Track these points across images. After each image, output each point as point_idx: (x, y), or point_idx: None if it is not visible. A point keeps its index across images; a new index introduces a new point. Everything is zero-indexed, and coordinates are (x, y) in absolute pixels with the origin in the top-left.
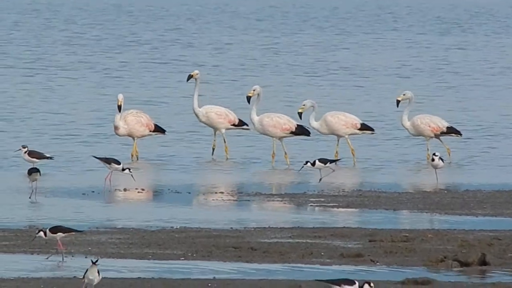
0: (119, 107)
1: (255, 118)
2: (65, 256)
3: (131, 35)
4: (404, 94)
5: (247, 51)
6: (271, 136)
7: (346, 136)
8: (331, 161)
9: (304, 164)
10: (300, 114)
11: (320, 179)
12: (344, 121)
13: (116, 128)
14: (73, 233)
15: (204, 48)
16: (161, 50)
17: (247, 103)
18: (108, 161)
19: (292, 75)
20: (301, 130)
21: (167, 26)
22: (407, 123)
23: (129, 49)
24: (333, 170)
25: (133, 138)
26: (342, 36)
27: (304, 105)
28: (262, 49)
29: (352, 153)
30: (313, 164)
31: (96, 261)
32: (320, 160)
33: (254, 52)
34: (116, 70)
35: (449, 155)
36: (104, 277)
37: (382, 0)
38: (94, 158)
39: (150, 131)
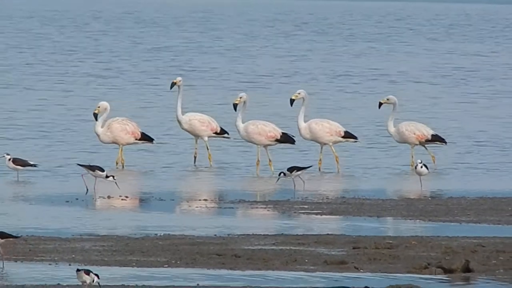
0: (95, 115)
1: (241, 125)
2: (49, 264)
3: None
4: (387, 99)
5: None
6: (256, 144)
7: (330, 144)
8: (300, 169)
9: (279, 176)
10: (292, 101)
11: (302, 184)
12: (328, 128)
13: (97, 135)
14: (11, 239)
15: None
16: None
17: (234, 110)
18: (92, 168)
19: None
20: (286, 138)
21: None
22: (392, 129)
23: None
24: (303, 181)
25: (119, 146)
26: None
27: (298, 93)
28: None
29: (336, 160)
30: (285, 174)
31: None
32: (289, 169)
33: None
34: (115, 78)
35: (434, 162)
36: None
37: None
38: (78, 165)
39: (136, 139)
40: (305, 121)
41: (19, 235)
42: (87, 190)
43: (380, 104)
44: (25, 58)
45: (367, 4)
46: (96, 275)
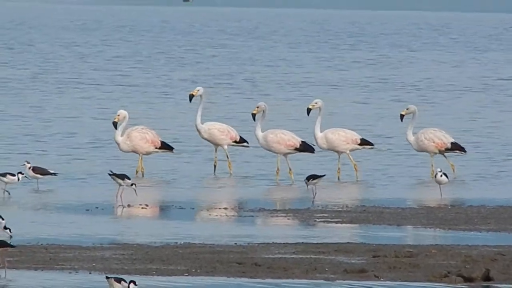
0: (114, 124)
1: (260, 134)
2: (69, 272)
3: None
4: (407, 109)
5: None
6: (275, 152)
7: (347, 152)
8: (316, 177)
9: (307, 181)
10: (309, 110)
11: (314, 196)
12: (344, 137)
13: (117, 144)
14: (8, 248)
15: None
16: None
17: (253, 120)
18: (122, 177)
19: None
20: (305, 147)
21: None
22: (411, 138)
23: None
24: (314, 191)
25: (139, 154)
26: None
27: (315, 102)
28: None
29: (355, 168)
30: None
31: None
32: (308, 178)
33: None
34: (139, 86)
35: (454, 171)
36: None
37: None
38: (110, 175)
39: (156, 148)
40: (321, 131)
41: (15, 245)
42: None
43: (402, 116)
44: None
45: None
46: (133, 281)
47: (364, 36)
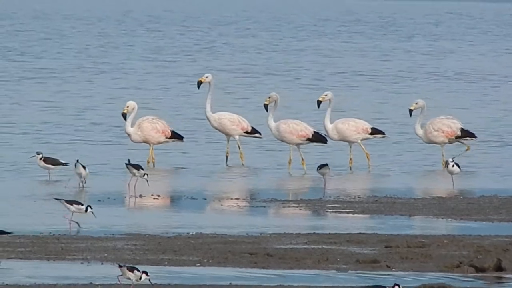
0: (124, 115)
1: (272, 124)
2: (81, 263)
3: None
4: (416, 103)
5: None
6: (288, 143)
7: (359, 141)
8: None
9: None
10: (319, 102)
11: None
12: (355, 126)
13: (128, 135)
14: (4, 235)
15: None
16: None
17: (265, 111)
18: (137, 167)
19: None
20: (317, 137)
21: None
22: (420, 131)
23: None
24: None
25: (149, 145)
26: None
27: (326, 95)
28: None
29: (367, 157)
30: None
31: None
32: (320, 167)
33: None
34: (142, 75)
35: (468, 149)
36: (120, 284)
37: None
38: (126, 165)
39: (167, 138)
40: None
41: (11, 232)
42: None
43: (411, 111)
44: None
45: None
46: (145, 272)
47: (401, 26)
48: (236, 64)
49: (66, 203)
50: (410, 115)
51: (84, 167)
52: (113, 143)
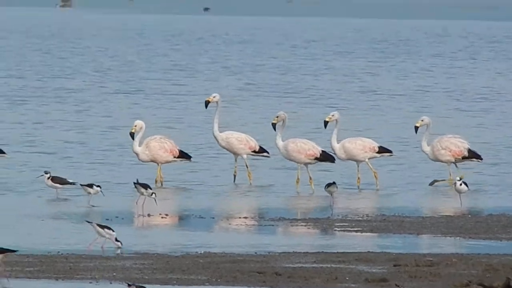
0: (131, 135)
1: (280, 143)
2: (90, 282)
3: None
4: (422, 120)
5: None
6: (296, 162)
7: (366, 160)
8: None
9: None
10: (326, 123)
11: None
12: (362, 145)
13: (136, 154)
14: (8, 254)
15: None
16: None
17: (273, 130)
18: (145, 186)
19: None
20: (325, 157)
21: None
22: (427, 148)
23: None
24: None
25: (157, 164)
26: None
27: (332, 115)
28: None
29: (374, 176)
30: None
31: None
32: (328, 185)
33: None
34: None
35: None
36: None
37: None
38: (134, 183)
39: (175, 157)
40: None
41: (16, 250)
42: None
43: (416, 127)
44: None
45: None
46: None
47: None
48: (249, 82)
49: (98, 227)
50: (416, 132)
51: (91, 186)
52: (120, 161)
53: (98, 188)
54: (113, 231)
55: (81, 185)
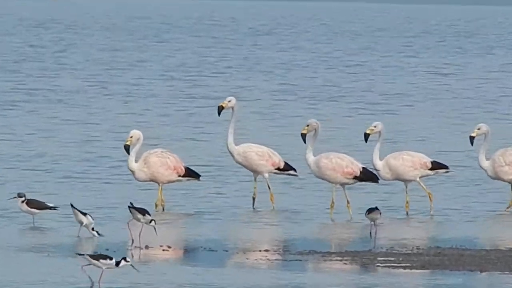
0: (126, 148)
1: (311, 158)
2: None
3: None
4: (478, 128)
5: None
6: (330, 181)
7: (418, 179)
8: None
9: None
10: (367, 136)
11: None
12: (411, 161)
13: (131, 172)
14: None
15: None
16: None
17: (303, 142)
18: (143, 212)
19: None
20: (367, 175)
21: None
22: (485, 164)
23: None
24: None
25: (158, 184)
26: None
27: (375, 126)
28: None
29: (429, 197)
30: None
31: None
32: (369, 211)
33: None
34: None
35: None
36: None
37: None
38: (129, 207)
39: (180, 176)
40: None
41: None
42: (133, 240)
43: (472, 138)
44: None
45: None
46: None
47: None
48: (273, 83)
49: (92, 259)
50: (472, 143)
51: (84, 214)
52: (115, 181)
53: (92, 220)
54: (110, 259)
55: (72, 206)
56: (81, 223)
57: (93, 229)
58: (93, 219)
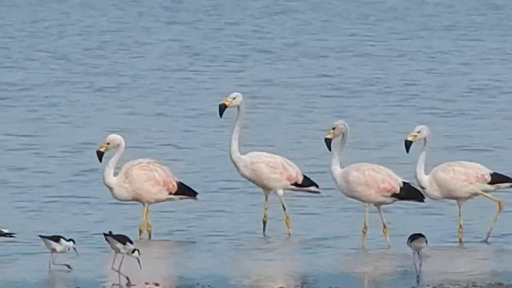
0: (99, 155)
1: (338, 170)
2: None
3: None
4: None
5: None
6: (362, 200)
7: (480, 191)
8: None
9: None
10: (409, 144)
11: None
12: (464, 174)
13: (109, 189)
14: None
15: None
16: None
17: (328, 149)
18: (121, 240)
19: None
20: (409, 192)
21: None
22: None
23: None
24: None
25: (143, 204)
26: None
27: (418, 131)
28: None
29: (499, 206)
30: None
31: None
32: (412, 237)
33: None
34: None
35: None
36: None
37: None
38: (105, 235)
39: (171, 194)
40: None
41: None
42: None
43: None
44: None
45: None
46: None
47: None
48: (297, 75)
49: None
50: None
51: (57, 240)
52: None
53: (70, 243)
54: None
55: (41, 237)
56: (53, 250)
57: (75, 249)
58: (70, 241)
